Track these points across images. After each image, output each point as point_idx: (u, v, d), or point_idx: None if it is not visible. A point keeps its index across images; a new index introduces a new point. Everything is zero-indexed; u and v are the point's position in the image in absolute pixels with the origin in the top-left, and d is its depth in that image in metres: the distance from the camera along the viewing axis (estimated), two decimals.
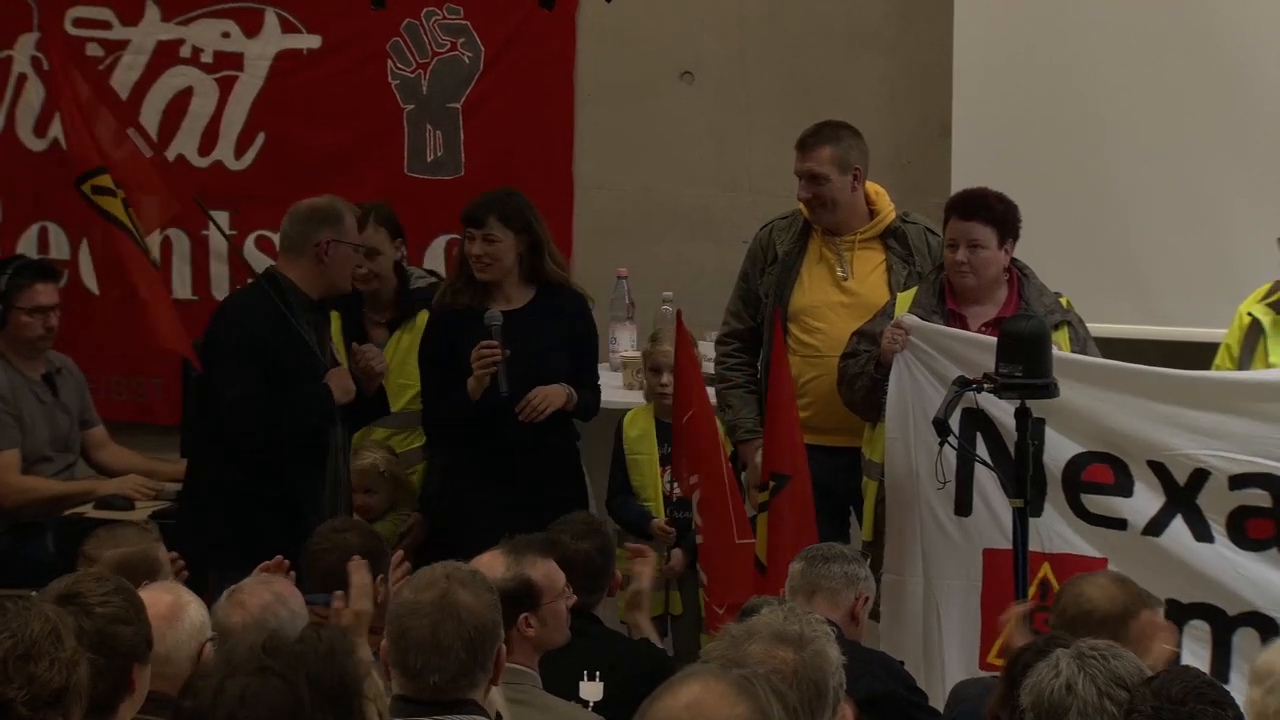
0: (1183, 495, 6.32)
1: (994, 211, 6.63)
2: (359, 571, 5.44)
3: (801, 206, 7.13)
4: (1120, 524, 6.38)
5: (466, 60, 8.86)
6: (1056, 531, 6.41)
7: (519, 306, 7.03)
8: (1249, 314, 6.64)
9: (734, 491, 6.67)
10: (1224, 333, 6.80)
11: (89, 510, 7.33)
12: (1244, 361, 6.62)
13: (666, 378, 7.25)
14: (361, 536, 5.81)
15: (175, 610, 4.52)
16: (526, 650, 5.12)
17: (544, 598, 5.19)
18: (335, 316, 7.16)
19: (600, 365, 7.82)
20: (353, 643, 3.90)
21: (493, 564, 5.06)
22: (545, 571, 5.23)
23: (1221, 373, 6.62)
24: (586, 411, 7.19)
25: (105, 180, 7.29)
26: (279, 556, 5.65)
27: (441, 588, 4.26)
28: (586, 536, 5.90)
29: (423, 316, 7.37)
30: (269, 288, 6.79)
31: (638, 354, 7.84)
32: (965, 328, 6.63)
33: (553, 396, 6.96)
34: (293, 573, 5.58)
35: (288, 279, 6.81)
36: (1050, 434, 6.36)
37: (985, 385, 6.06)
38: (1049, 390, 6.03)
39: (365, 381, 6.95)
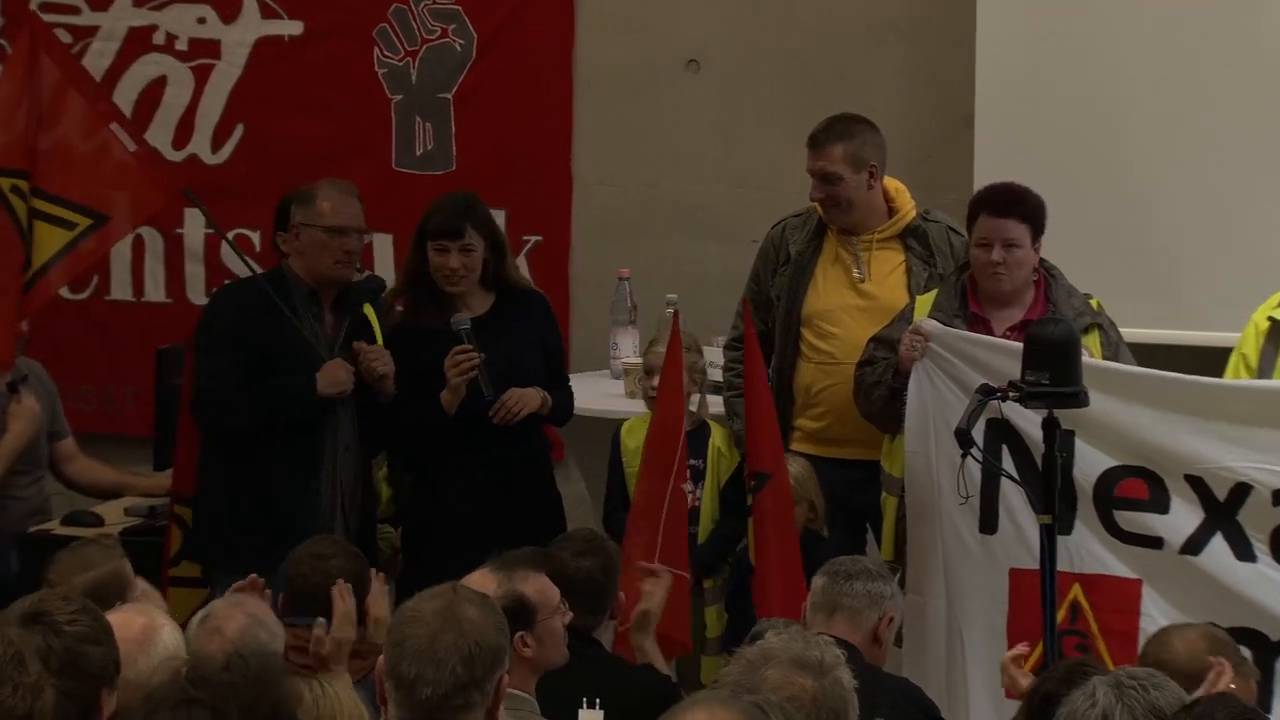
0: (1223, 511, 6.16)
1: (1028, 207, 6.55)
2: (343, 597, 5.42)
3: (815, 205, 7.02)
4: (1156, 542, 6.24)
5: (458, 48, 8.83)
6: (1088, 550, 6.28)
7: (481, 313, 6.92)
8: (1269, 318, 6.55)
9: (672, 517, 6.49)
10: None
11: (55, 526, 7.28)
12: (1265, 367, 6.52)
13: None
14: (346, 560, 5.73)
15: (147, 633, 4.51)
16: (524, 673, 5.00)
17: (538, 614, 5.10)
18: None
19: (601, 372, 8.01)
20: (285, 666, 4.03)
21: (484, 582, 4.96)
22: (538, 586, 5.15)
23: (1262, 381, 6.49)
24: (561, 415, 7.11)
25: (23, 184, 7.09)
26: (253, 575, 5.63)
27: (448, 599, 4.21)
28: (588, 553, 5.77)
29: (368, 310, 7.21)
30: (266, 277, 6.84)
31: (640, 360, 7.67)
32: (989, 332, 6.52)
33: (528, 398, 6.85)
34: (268, 591, 5.58)
35: (289, 268, 6.88)
36: (1080, 446, 6.24)
37: (1010, 394, 5.92)
38: (1078, 399, 5.88)
39: (372, 383, 6.83)
